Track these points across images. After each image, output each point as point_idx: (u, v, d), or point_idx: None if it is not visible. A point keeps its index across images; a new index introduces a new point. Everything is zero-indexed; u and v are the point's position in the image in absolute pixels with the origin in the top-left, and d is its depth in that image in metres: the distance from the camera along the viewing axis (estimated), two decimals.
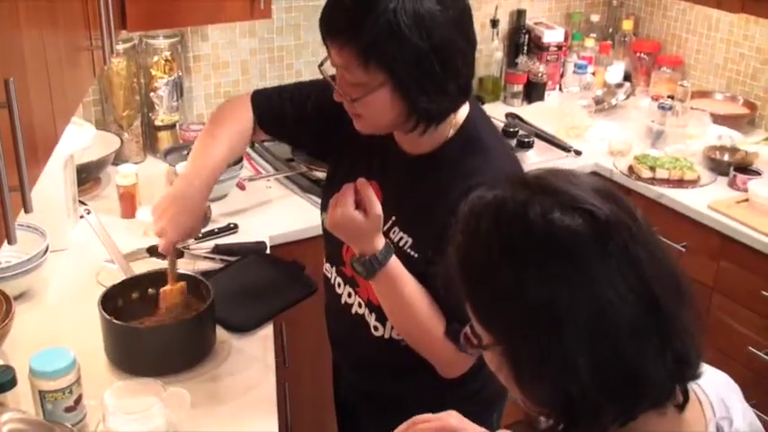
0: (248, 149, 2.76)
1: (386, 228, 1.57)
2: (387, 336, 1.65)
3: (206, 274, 1.98)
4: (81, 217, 2.21)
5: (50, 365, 1.51)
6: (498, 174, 1.46)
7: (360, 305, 1.68)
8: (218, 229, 2.29)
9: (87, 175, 2.49)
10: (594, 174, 2.74)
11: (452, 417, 1.27)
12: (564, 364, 0.84)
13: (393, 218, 1.59)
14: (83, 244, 2.21)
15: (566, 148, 2.96)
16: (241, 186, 2.55)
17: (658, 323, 0.86)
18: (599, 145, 3.03)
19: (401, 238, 1.57)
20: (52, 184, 2.14)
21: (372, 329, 1.66)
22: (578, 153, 2.95)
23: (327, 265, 1.77)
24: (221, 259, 2.13)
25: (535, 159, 2.89)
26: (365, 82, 1.42)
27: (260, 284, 2.02)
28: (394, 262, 1.50)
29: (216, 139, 1.74)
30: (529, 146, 2.93)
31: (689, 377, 0.91)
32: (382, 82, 1.41)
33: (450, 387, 1.60)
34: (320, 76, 1.57)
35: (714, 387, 0.99)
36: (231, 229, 2.30)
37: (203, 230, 2.26)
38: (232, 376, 1.74)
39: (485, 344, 0.93)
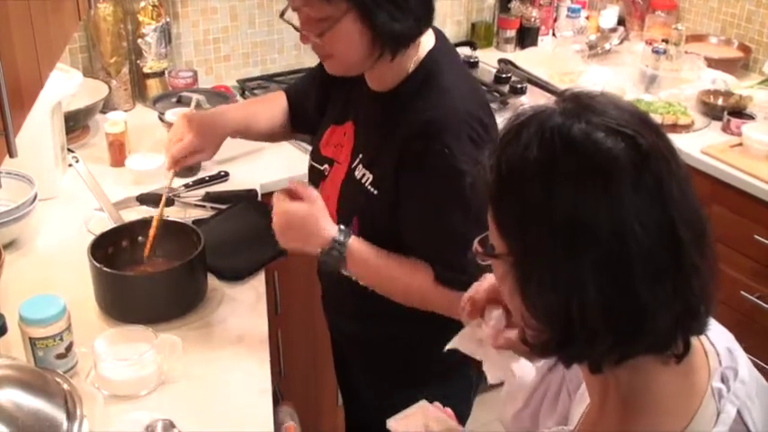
0: (238, 97, 2.74)
1: (354, 165, 1.61)
2: None
3: (197, 222, 1.97)
4: (69, 165, 2.18)
5: (40, 312, 1.50)
6: (453, 111, 1.49)
7: None
8: (209, 176, 2.27)
9: (75, 124, 2.46)
10: None
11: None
12: (573, 284, 0.83)
13: (360, 155, 1.61)
14: (72, 192, 2.19)
15: (558, 94, 2.93)
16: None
17: (676, 268, 0.85)
18: (592, 90, 2.99)
19: (363, 175, 1.59)
20: (39, 131, 2.11)
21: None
22: None
23: None
24: (212, 207, 2.12)
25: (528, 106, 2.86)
26: (329, 14, 1.45)
27: (251, 232, 2.00)
28: (355, 241, 1.54)
29: (269, 104, 1.93)
30: (522, 92, 2.91)
31: (694, 330, 0.91)
32: (345, 10, 1.44)
33: (443, 331, 1.59)
34: None
35: (721, 336, 0.98)
36: (222, 176, 2.28)
37: (193, 179, 2.25)
38: (224, 323, 1.74)
39: (496, 252, 0.92)
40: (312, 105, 1.84)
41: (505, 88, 2.91)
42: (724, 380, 0.94)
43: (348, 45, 1.48)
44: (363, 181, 1.59)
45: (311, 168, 1.76)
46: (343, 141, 1.67)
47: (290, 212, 1.54)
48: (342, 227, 1.55)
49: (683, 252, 0.85)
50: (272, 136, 1.95)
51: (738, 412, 0.92)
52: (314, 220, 1.53)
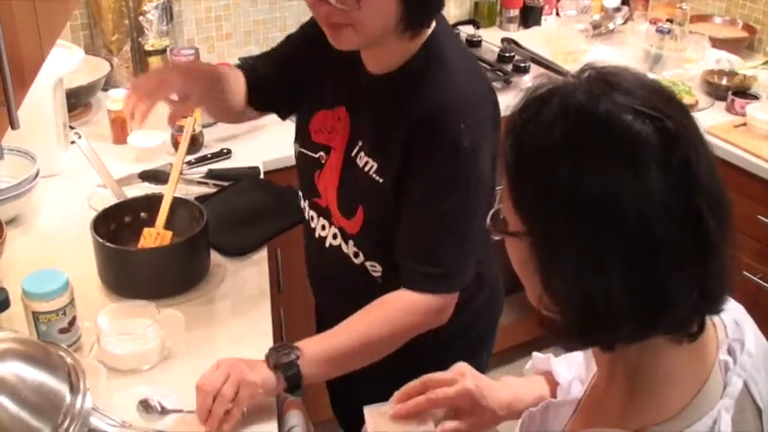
0: None
1: (353, 153, 1.55)
2: (364, 264, 1.62)
3: (199, 198, 1.97)
4: (72, 143, 2.18)
5: (43, 287, 1.50)
6: (466, 92, 1.46)
7: (335, 236, 1.63)
8: (212, 154, 2.27)
9: (77, 101, 2.45)
10: None
11: (467, 377, 1.23)
12: (597, 266, 0.82)
13: (360, 142, 1.54)
14: (74, 170, 2.18)
15: (562, 74, 2.91)
16: None
17: (699, 251, 0.83)
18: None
19: (366, 163, 1.53)
20: (41, 108, 2.11)
21: (353, 257, 1.62)
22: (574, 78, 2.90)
23: (304, 202, 1.72)
24: (214, 184, 2.11)
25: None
26: None
27: (254, 209, 2.00)
28: (309, 349, 1.45)
29: (233, 71, 1.76)
30: (525, 71, 2.89)
31: (711, 311, 0.90)
32: None
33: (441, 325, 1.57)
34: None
35: (730, 307, 0.97)
36: (225, 154, 2.28)
37: (196, 155, 2.24)
38: (227, 300, 1.74)
39: (513, 230, 0.90)
40: (279, 87, 1.72)
41: (509, 67, 2.90)
42: (731, 352, 0.93)
43: (380, 14, 1.39)
44: (367, 169, 1.52)
45: (302, 156, 1.67)
46: (336, 126, 1.59)
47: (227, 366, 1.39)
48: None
49: (708, 235, 0.83)
50: (236, 106, 1.74)
51: (745, 384, 0.92)
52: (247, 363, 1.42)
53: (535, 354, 1.31)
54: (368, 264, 1.60)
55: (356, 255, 1.61)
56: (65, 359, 1.39)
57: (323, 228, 1.66)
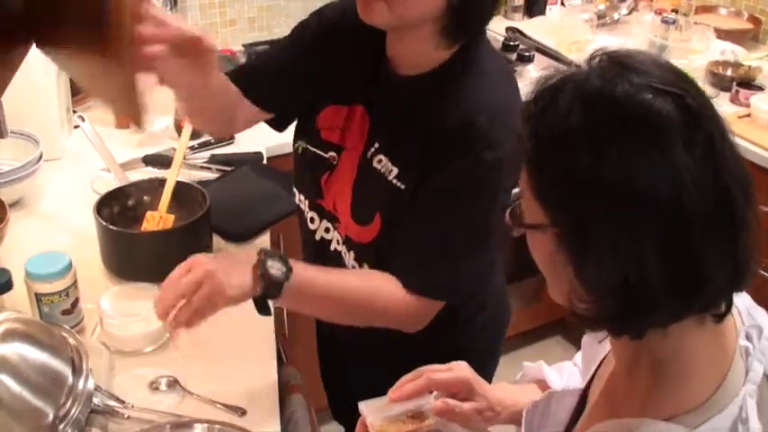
0: (243, 60, 2.72)
1: (369, 154, 1.46)
2: None
3: (202, 183, 1.96)
4: (75, 127, 2.18)
5: (46, 268, 1.50)
6: (492, 104, 1.37)
7: (338, 242, 1.55)
8: (215, 139, 2.26)
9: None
10: None
11: (464, 368, 1.22)
12: (631, 249, 0.81)
13: (377, 144, 1.46)
14: (77, 154, 2.19)
15: (566, 63, 2.92)
16: None
17: (729, 227, 0.83)
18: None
19: (385, 167, 1.44)
20: (45, 92, 2.11)
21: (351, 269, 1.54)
22: (578, 67, 2.90)
23: (300, 196, 1.62)
24: (217, 169, 2.12)
25: (535, 74, 2.85)
26: None
27: (256, 194, 2.00)
28: (298, 267, 1.35)
29: None
30: (529, 60, 2.89)
31: (738, 288, 0.89)
32: None
33: (446, 337, 1.52)
34: None
35: (740, 296, 0.97)
36: (228, 139, 2.28)
37: (199, 141, 2.24)
38: None
39: (536, 223, 0.88)
40: (293, 79, 1.55)
41: (513, 56, 2.89)
42: (749, 338, 0.93)
43: None
44: (386, 174, 1.43)
45: (308, 153, 1.56)
46: (350, 125, 1.50)
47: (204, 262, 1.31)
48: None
49: (736, 209, 0.83)
50: (226, 94, 1.50)
51: (765, 370, 0.91)
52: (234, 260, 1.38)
53: (526, 363, 1.31)
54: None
55: (354, 267, 1.53)
56: (68, 340, 1.40)
57: (326, 231, 1.58)
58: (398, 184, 1.42)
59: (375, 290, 1.43)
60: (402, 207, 1.42)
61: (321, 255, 1.60)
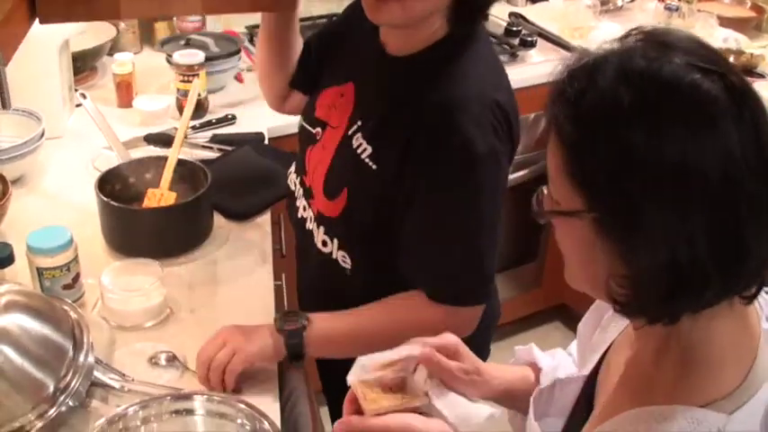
0: (246, 43, 2.72)
1: (351, 132, 1.46)
2: (335, 256, 1.52)
3: (203, 162, 1.96)
4: (78, 105, 2.18)
5: (48, 242, 1.51)
6: (481, 90, 1.35)
7: (311, 219, 1.56)
8: (217, 119, 2.27)
9: (83, 65, 2.45)
10: None
11: (452, 336, 1.20)
12: (683, 229, 0.80)
13: (359, 122, 1.45)
14: (79, 132, 2.19)
15: (569, 48, 2.92)
16: (239, 79, 2.52)
17: None
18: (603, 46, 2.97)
19: (360, 145, 1.44)
20: (47, 70, 2.12)
21: (321, 245, 1.53)
22: None
23: (293, 175, 1.66)
24: (219, 149, 2.12)
25: (537, 59, 2.85)
26: None
27: (258, 173, 2.01)
28: (317, 322, 1.44)
29: None
30: (532, 45, 2.88)
31: None
32: None
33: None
34: None
35: None
36: (229, 119, 2.28)
37: (201, 121, 2.25)
38: (230, 261, 1.75)
39: (572, 210, 0.86)
40: (313, 65, 1.66)
41: (516, 41, 2.89)
42: None
43: None
44: (360, 152, 1.43)
45: (302, 130, 1.61)
46: (338, 103, 1.51)
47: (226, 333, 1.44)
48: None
49: None
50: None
51: None
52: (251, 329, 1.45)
53: (517, 347, 1.30)
54: (339, 254, 1.51)
55: (325, 243, 1.53)
56: (69, 313, 1.41)
57: (304, 209, 1.59)
58: (370, 163, 1.42)
59: (401, 322, 1.45)
60: (370, 186, 1.42)
61: (300, 234, 1.62)
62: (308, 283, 1.70)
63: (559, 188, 0.88)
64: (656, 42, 0.84)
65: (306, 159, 1.57)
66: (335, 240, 1.50)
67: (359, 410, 1.09)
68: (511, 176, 2.84)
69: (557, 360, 1.24)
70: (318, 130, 1.55)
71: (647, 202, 0.80)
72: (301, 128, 1.62)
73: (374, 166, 1.41)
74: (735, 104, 0.81)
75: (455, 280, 1.43)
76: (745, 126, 0.81)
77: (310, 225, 1.56)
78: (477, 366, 1.18)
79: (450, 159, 1.33)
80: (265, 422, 1.25)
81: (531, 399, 1.15)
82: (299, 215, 1.61)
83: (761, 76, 2.73)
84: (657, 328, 0.88)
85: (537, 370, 1.24)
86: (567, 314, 3.27)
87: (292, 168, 1.67)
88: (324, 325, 1.44)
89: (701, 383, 0.87)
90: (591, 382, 1.08)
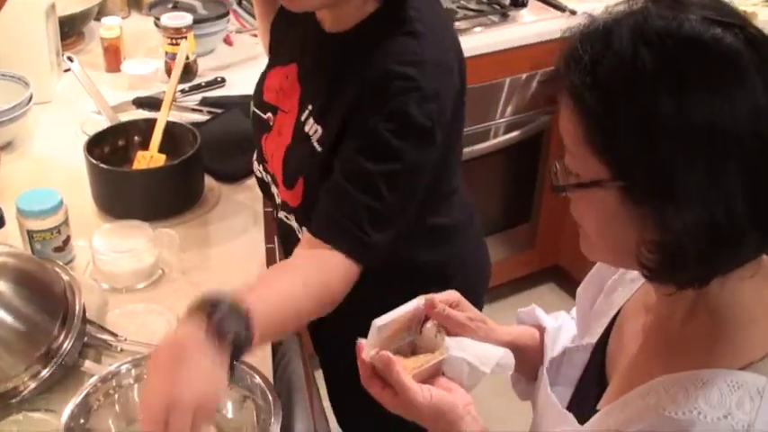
0: (235, 6, 2.69)
1: (303, 117, 1.41)
2: None
3: (193, 125, 1.95)
4: (66, 70, 2.16)
5: (38, 205, 1.51)
6: (420, 60, 1.29)
7: (281, 207, 1.53)
8: (206, 82, 2.25)
9: (70, 30, 2.42)
10: None
11: (453, 291, 1.19)
12: (718, 188, 0.78)
13: (309, 106, 1.40)
14: (67, 97, 2.17)
15: (561, 8, 2.89)
16: (228, 41, 2.50)
17: None
18: (595, 5, 2.95)
19: (311, 128, 1.39)
20: (34, 34, 2.10)
21: (297, 232, 1.49)
22: (573, 13, 2.88)
23: (256, 164, 1.59)
24: (208, 111, 2.11)
25: (529, 19, 2.83)
26: None
27: (247, 136, 1.98)
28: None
29: None
30: (523, 5, 2.86)
31: None
32: None
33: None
34: None
35: None
36: (218, 82, 2.26)
37: (190, 84, 2.23)
38: (221, 222, 1.75)
39: (595, 180, 0.84)
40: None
41: (506, 1, 2.87)
42: None
43: None
44: (311, 135, 1.38)
45: (253, 116, 1.55)
46: (285, 86, 1.46)
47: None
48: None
49: None
50: None
51: None
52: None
53: (519, 309, 1.29)
54: None
55: (299, 230, 1.49)
56: (60, 275, 1.41)
57: (277, 195, 1.54)
58: (317, 146, 1.37)
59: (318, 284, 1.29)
60: (320, 171, 1.36)
61: (279, 220, 1.58)
62: None
63: (579, 159, 0.86)
64: (668, 1, 0.83)
65: (262, 148, 1.52)
66: (304, 228, 1.45)
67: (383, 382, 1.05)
68: (503, 137, 2.89)
69: (559, 322, 1.23)
70: (270, 115, 1.50)
71: (678, 165, 0.78)
72: (253, 114, 1.56)
73: (319, 149, 1.37)
74: (759, 57, 0.79)
75: (359, 229, 1.30)
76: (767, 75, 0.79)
77: (281, 214, 1.54)
78: (481, 316, 1.18)
79: (389, 117, 1.27)
80: (257, 377, 1.25)
81: (545, 369, 1.14)
82: (277, 201, 1.56)
83: None
84: (684, 293, 0.87)
85: (541, 331, 1.23)
86: (561, 275, 3.28)
87: (254, 157, 1.60)
88: (259, 307, 1.13)
89: (736, 346, 0.86)
90: (600, 350, 1.07)
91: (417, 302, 1.12)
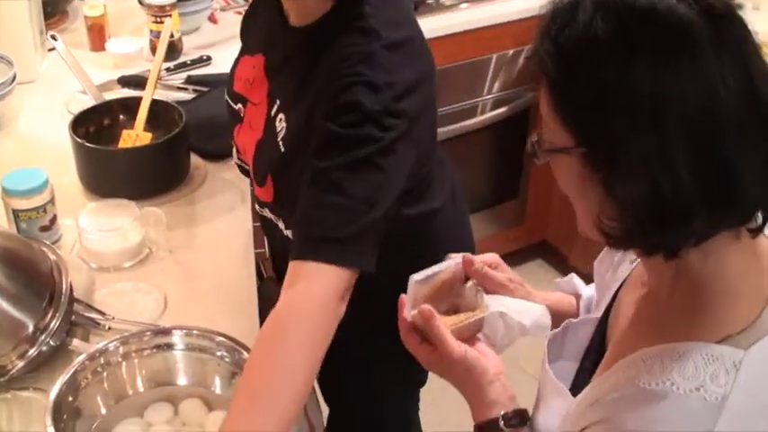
0: None
1: (273, 112, 1.38)
2: (287, 233, 1.44)
3: (179, 104, 1.95)
4: (50, 50, 2.15)
5: (23, 184, 1.50)
6: (374, 52, 1.25)
7: (257, 200, 1.50)
8: (191, 61, 2.24)
9: (53, 9, 2.40)
10: None
11: (491, 253, 1.20)
12: (662, 158, 0.79)
13: (278, 101, 1.38)
14: (51, 77, 2.16)
15: None
16: (213, 19, 2.49)
17: (761, 128, 0.81)
18: None
19: (281, 125, 1.36)
20: (17, 13, 2.08)
21: (283, 228, 1.46)
22: None
23: (236, 155, 1.58)
24: (194, 89, 2.10)
25: None
26: None
27: None
28: None
29: None
30: None
31: None
32: None
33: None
34: None
35: None
36: (204, 61, 2.25)
37: (176, 62, 2.22)
38: (207, 200, 1.75)
39: (560, 147, 0.87)
40: None
41: None
42: None
43: None
44: (279, 132, 1.36)
45: (227, 105, 1.53)
46: (252, 76, 1.44)
47: None
48: None
49: (765, 113, 0.81)
50: None
51: None
52: None
53: (557, 279, 1.30)
54: (289, 232, 1.42)
55: (277, 220, 1.47)
56: (47, 255, 1.41)
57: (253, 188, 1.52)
58: (281, 146, 1.35)
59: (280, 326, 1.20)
60: (285, 168, 1.34)
61: (259, 215, 1.56)
62: (281, 255, 1.55)
63: (549, 127, 0.88)
64: None
65: (236, 140, 1.51)
66: (281, 221, 1.45)
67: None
68: (490, 114, 2.89)
69: (593, 290, 1.24)
70: (240, 106, 1.48)
71: (625, 132, 0.80)
72: (226, 102, 1.53)
73: (283, 149, 1.34)
74: (715, 29, 0.79)
75: (329, 231, 1.24)
76: (726, 51, 0.79)
77: (256, 206, 1.53)
78: (519, 279, 1.19)
79: (345, 111, 1.23)
80: (245, 353, 1.26)
81: (546, 343, 1.14)
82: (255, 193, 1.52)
83: (738, 6, 2.72)
84: (668, 265, 0.88)
85: (578, 299, 1.24)
86: (549, 251, 3.28)
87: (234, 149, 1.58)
88: None
89: (715, 319, 0.87)
90: (603, 322, 1.08)
91: (455, 260, 1.13)
